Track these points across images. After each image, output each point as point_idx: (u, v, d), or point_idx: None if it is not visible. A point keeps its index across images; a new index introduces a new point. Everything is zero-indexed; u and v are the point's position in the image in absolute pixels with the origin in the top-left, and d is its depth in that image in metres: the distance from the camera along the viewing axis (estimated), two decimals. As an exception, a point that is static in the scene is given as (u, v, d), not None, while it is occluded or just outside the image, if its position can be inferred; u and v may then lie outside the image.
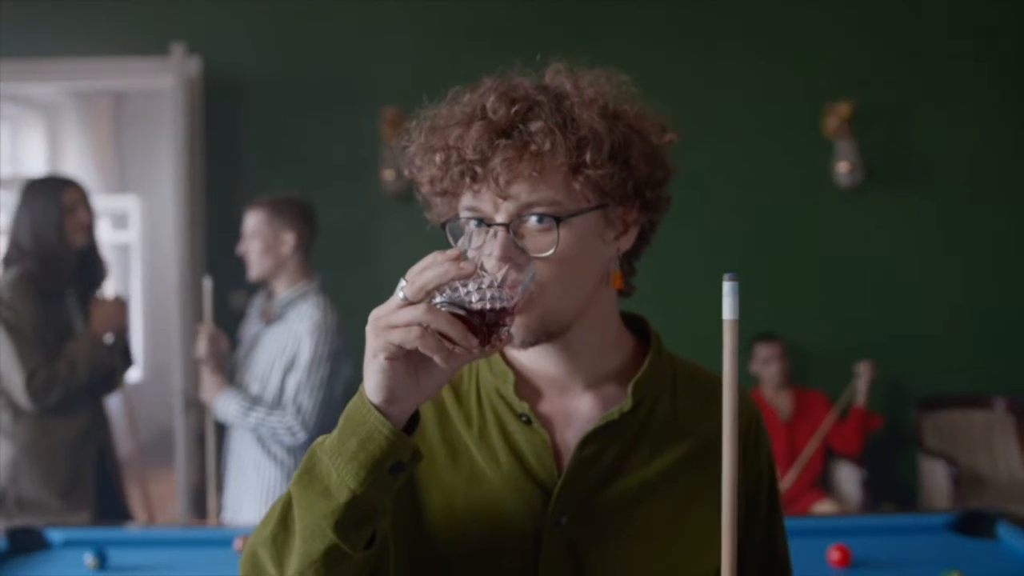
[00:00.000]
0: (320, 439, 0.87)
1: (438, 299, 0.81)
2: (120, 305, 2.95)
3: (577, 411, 0.99)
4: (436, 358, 0.80)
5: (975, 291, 4.27)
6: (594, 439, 0.97)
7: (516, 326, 0.90)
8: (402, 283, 0.82)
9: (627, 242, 0.99)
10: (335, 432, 0.85)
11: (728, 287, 0.87)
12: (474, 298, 0.81)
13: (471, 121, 0.92)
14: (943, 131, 4.26)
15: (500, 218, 0.91)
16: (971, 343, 4.26)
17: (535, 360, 1.00)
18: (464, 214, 0.94)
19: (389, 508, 0.88)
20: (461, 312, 0.80)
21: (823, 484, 3.99)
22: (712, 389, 0.98)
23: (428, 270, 0.80)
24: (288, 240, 2.68)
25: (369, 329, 0.82)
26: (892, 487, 4.22)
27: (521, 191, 0.90)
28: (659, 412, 1.00)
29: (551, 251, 0.90)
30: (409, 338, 0.79)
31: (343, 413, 0.86)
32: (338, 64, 4.30)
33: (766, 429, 1.08)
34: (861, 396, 4.01)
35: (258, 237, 2.68)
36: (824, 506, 3.75)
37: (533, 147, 0.90)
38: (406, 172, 1.00)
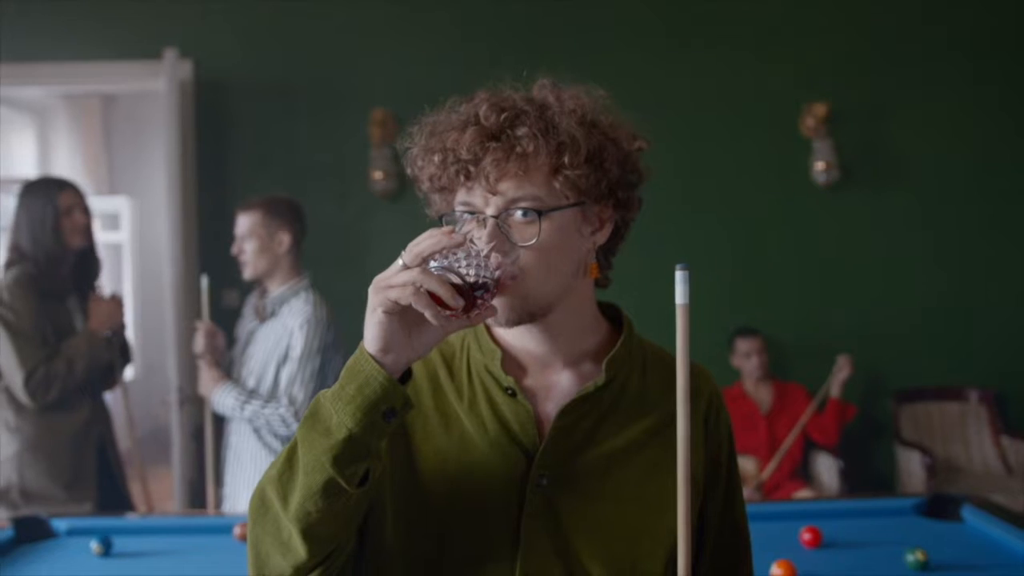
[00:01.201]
0: (323, 391, 0.99)
1: (432, 264, 0.93)
2: (116, 303, 3.01)
3: (557, 385, 1.12)
4: (427, 314, 0.92)
5: (949, 286, 4.38)
6: (572, 410, 1.09)
7: (502, 307, 1.03)
8: (403, 254, 0.94)
9: (602, 237, 1.12)
10: (338, 380, 0.97)
11: (680, 276, 0.97)
12: (463, 266, 0.93)
13: (466, 126, 1.05)
14: (917, 131, 4.37)
15: (490, 211, 1.04)
16: (945, 337, 4.37)
17: (520, 339, 1.12)
18: (459, 208, 1.07)
19: (382, 453, 1.00)
20: (451, 278, 0.92)
21: (803, 473, 4.09)
22: (675, 368, 1.09)
23: (424, 241, 0.93)
24: (284, 240, 2.77)
25: (371, 289, 0.93)
26: (870, 477, 4.33)
27: (508, 188, 1.03)
28: (630, 388, 1.13)
29: (534, 240, 1.03)
30: (404, 295, 0.91)
31: (345, 365, 0.98)
32: (327, 67, 4.37)
33: (726, 404, 1.21)
34: (836, 388, 4.12)
35: (254, 238, 2.75)
36: (803, 494, 3.85)
37: (519, 149, 1.02)
38: (408, 171, 1.12)
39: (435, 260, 0.93)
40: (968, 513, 2.20)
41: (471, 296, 0.93)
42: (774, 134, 4.37)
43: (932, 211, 4.38)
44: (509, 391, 1.09)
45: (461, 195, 1.06)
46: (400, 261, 0.93)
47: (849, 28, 4.39)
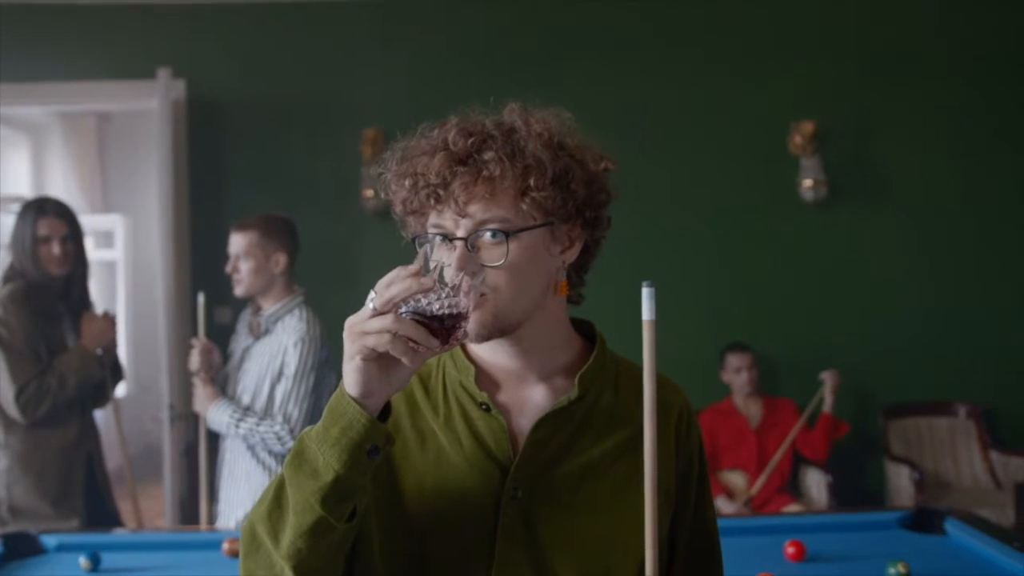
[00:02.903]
0: (307, 429, 1.02)
1: (403, 309, 0.95)
2: (109, 321, 3.02)
3: (531, 400, 1.14)
4: (404, 359, 0.95)
5: (937, 302, 4.41)
6: (545, 424, 1.11)
7: (473, 323, 1.05)
8: (372, 294, 0.96)
9: (572, 255, 1.14)
10: (321, 421, 1.00)
11: (646, 292, 1.01)
12: (434, 307, 0.96)
13: (435, 151, 1.08)
14: (905, 148, 4.41)
15: (460, 233, 1.06)
16: (934, 352, 4.40)
17: (494, 355, 1.15)
18: (431, 231, 1.09)
19: (368, 486, 1.02)
20: (423, 319, 0.95)
21: (792, 489, 4.10)
22: None
23: (394, 285, 0.95)
24: (280, 260, 2.79)
25: (345, 335, 0.96)
26: (859, 492, 4.34)
27: (476, 210, 1.06)
28: (602, 402, 1.15)
29: (502, 261, 1.06)
30: (381, 343, 0.94)
31: (327, 404, 1.01)
32: (319, 86, 4.40)
33: (696, 418, 1.22)
34: (828, 404, 4.13)
35: (250, 257, 2.76)
36: (792, 509, 3.86)
37: (486, 173, 1.06)
38: (383, 195, 1.16)
39: (405, 304, 0.95)
40: (951, 527, 2.22)
41: (444, 332, 0.96)
42: (762, 152, 4.41)
43: (920, 227, 4.41)
44: (483, 406, 1.12)
45: (433, 218, 1.09)
46: (370, 304, 0.95)
47: (837, 47, 4.44)
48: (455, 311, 0.96)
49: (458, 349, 1.16)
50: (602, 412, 1.14)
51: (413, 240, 1.12)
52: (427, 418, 1.14)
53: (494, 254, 1.06)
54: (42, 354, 2.86)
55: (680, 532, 1.17)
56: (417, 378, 1.16)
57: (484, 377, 1.15)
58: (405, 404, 1.15)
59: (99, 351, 2.97)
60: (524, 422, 1.12)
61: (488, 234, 1.06)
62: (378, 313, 0.94)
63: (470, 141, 1.07)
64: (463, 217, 1.06)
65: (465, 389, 1.13)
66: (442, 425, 1.13)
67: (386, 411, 1.01)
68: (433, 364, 1.17)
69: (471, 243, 1.06)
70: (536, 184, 1.06)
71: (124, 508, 3.20)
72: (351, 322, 0.96)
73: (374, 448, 0.98)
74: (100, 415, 3.24)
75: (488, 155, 1.06)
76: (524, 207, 1.06)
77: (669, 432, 1.15)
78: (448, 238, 1.07)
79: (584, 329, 1.21)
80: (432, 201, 1.07)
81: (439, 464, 1.11)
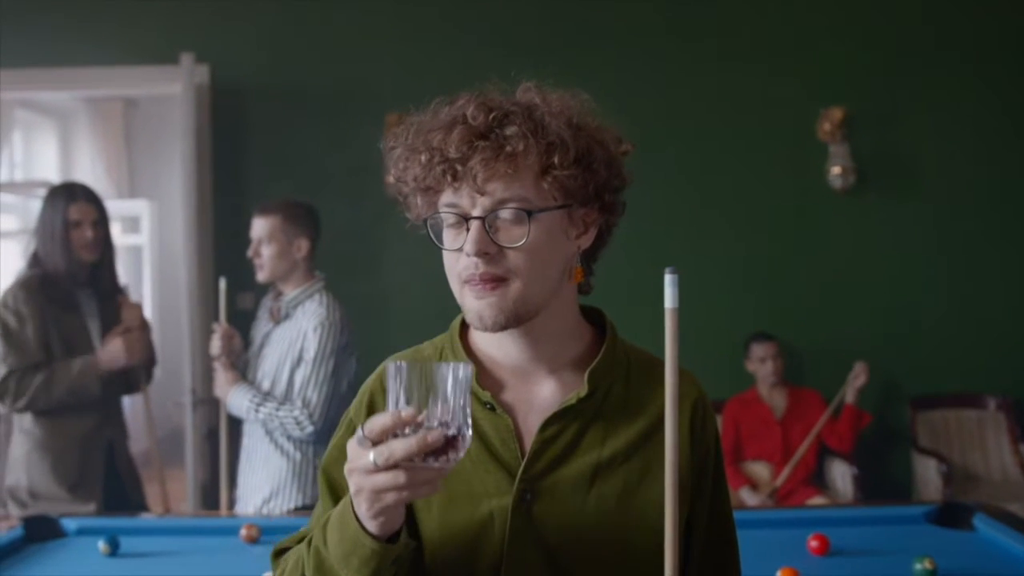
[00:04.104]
0: (319, 536, 0.99)
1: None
2: (145, 336, 3.00)
3: (538, 397, 1.09)
4: (426, 491, 0.91)
5: (966, 291, 4.34)
6: (553, 422, 1.07)
7: (490, 309, 1.01)
8: (360, 432, 0.90)
9: (587, 240, 1.10)
10: (336, 541, 0.96)
11: (669, 279, 0.96)
12: (434, 435, 0.88)
13: (453, 126, 1.03)
14: (934, 135, 4.33)
15: (477, 212, 1.01)
16: (963, 342, 4.32)
17: (501, 348, 1.10)
18: (444, 210, 1.04)
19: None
20: (430, 459, 0.89)
21: (817, 480, 4.06)
22: (661, 374, 1.07)
23: (396, 443, 0.87)
24: (303, 246, 2.79)
25: (353, 479, 0.91)
26: (886, 484, 4.28)
27: (497, 188, 1.01)
28: (613, 396, 1.10)
29: (523, 241, 1.01)
30: (400, 498, 0.90)
31: (336, 514, 0.97)
32: (342, 71, 4.38)
33: (712, 410, 1.17)
34: (851, 394, 4.08)
35: (273, 242, 2.76)
36: (817, 501, 3.82)
37: (508, 148, 1.00)
38: (392, 172, 1.10)
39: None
40: (980, 522, 2.17)
41: (450, 446, 0.89)
42: (790, 138, 4.34)
43: (949, 216, 4.34)
44: (488, 406, 1.07)
45: (446, 196, 1.04)
46: (370, 456, 0.88)
47: (866, 32, 4.36)
48: (454, 430, 0.89)
49: (459, 346, 1.12)
50: (613, 407, 1.09)
51: (424, 222, 1.07)
52: None
53: (513, 235, 1.01)
54: (54, 345, 2.84)
55: (696, 527, 1.13)
56: None
57: (487, 375, 1.10)
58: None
59: (120, 364, 2.91)
60: (532, 421, 1.08)
61: (507, 213, 1.01)
62: (379, 469, 0.88)
63: (491, 115, 1.02)
64: (481, 195, 1.01)
65: None
66: None
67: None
68: (434, 360, 1.12)
69: (488, 224, 1.01)
70: (560, 162, 1.01)
71: (152, 492, 3.20)
72: (353, 468, 0.90)
73: (396, 559, 0.96)
74: (128, 401, 3.24)
75: (511, 130, 1.01)
76: (545, 186, 1.02)
77: (684, 425, 1.10)
78: (465, 218, 1.02)
79: (593, 317, 1.16)
80: (449, 177, 1.02)
81: None
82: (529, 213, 1.01)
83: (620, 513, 1.06)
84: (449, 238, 1.06)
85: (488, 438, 1.07)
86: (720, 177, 4.36)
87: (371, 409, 1.11)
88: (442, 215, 1.04)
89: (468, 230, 1.02)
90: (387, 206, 4.29)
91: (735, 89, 4.34)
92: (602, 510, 1.06)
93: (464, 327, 1.14)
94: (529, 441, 1.07)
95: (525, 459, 1.05)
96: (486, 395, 1.07)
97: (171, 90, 4.24)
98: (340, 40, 4.39)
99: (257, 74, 4.39)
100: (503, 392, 1.10)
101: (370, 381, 1.15)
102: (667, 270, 0.96)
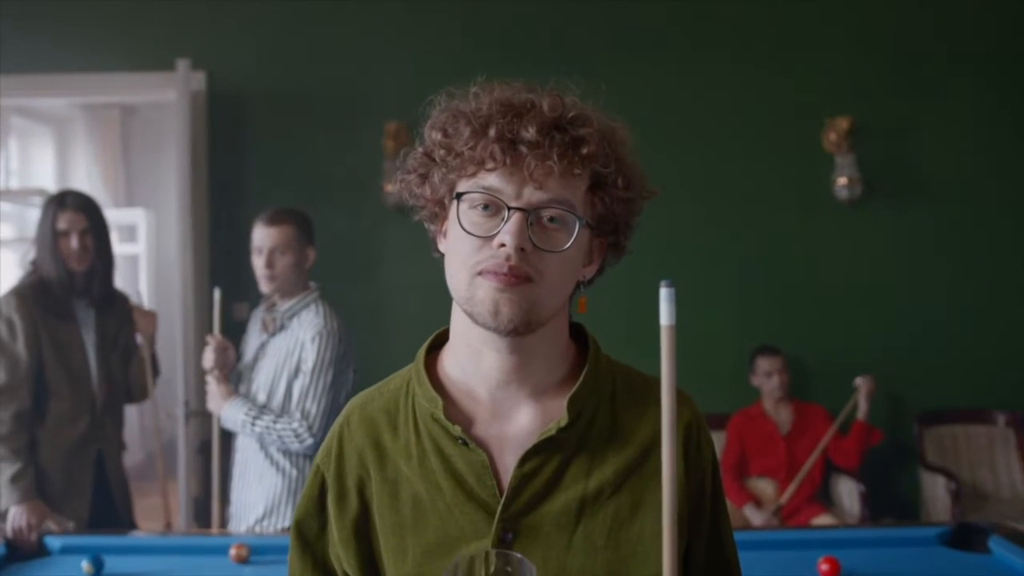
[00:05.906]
0: None
1: None
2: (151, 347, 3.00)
3: (514, 428, 1.01)
4: None
5: (975, 305, 4.27)
6: (533, 455, 0.99)
7: (510, 307, 0.93)
8: None
9: (590, 272, 1.04)
10: None
11: (664, 293, 0.88)
12: None
13: (525, 108, 0.96)
14: (942, 146, 4.27)
15: (521, 204, 0.94)
16: (971, 356, 4.26)
17: (478, 370, 1.01)
18: (478, 192, 0.95)
19: None
20: None
21: (823, 498, 3.98)
22: (647, 394, 1.01)
23: None
24: (311, 255, 2.76)
25: None
26: (893, 502, 4.21)
27: (554, 185, 0.94)
28: (598, 423, 1.01)
29: (566, 246, 0.95)
30: None
31: None
32: (340, 79, 4.34)
33: (708, 430, 1.08)
34: (862, 410, 4.00)
35: (289, 252, 2.70)
36: (823, 520, 3.75)
37: (584, 150, 0.95)
38: (426, 133, 1.02)
39: None
40: (996, 544, 2.10)
41: None
42: (796, 149, 4.29)
43: (957, 227, 4.28)
44: (460, 440, 0.99)
45: (489, 179, 0.95)
46: None
47: (873, 42, 4.31)
48: None
49: (424, 377, 1.03)
50: (598, 434, 1.01)
51: (457, 196, 0.97)
52: (399, 464, 1.01)
53: (552, 240, 0.95)
54: (46, 352, 2.78)
55: (695, 559, 1.05)
56: (385, 415, 1.04)
57: (456, 407, 1.01)
58: (373, 451, 1.03)
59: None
60: (509, 454, 0.99)
61: (555, 214, 0.94)
62: None
63: (570, 114, 0.96)
64: (536, 188, 0.93)
65: (437, 422, 1.00)
66: (416, 468, 1.00)
67: None
68: (401, 396, 1.05)
69: (532, 219, 0.94)
70: (615, 183, 0.96)
71: (154, 504, 3.13)
72: None
73: None
74: (131, 411, 3.19)
75: (585, 131, 0.95)
76: (590, 202, 0.97)
77: (677, 449, 1.01)
78: (507, 207, 0.94)
79: (575, 333, 1.08)
80: (508, 158, 0.93)
81: (417, 515, 0.99)
82: (579, 221, 0.95)
83: (610, 549, 0.98)
84: (476, 222, 0.96)
85: (462, 476, 0.99)
86: (725, 188, 4.30)
87: (340, 459, 1.04)
88: (478, 196, 0.96)
89: (505, 220, 0.94)
90: (386, 213, 4.26)
91: (740, 99, 4.29)
92: (590, 547, 0.97)
93: (430, 356, 1.07)
94: (507, 477, 0.98)
95: (504, 497, 0.97)
96: (456, 429, 0.99)
97: (168, 97, 4.19)
98: (337, 47, 4.35)
99: (254, 81, 4.34)
100: (475, 425, 1.01)
101: (337, 426, 1.07)
102: (663, 283, 0.88)
